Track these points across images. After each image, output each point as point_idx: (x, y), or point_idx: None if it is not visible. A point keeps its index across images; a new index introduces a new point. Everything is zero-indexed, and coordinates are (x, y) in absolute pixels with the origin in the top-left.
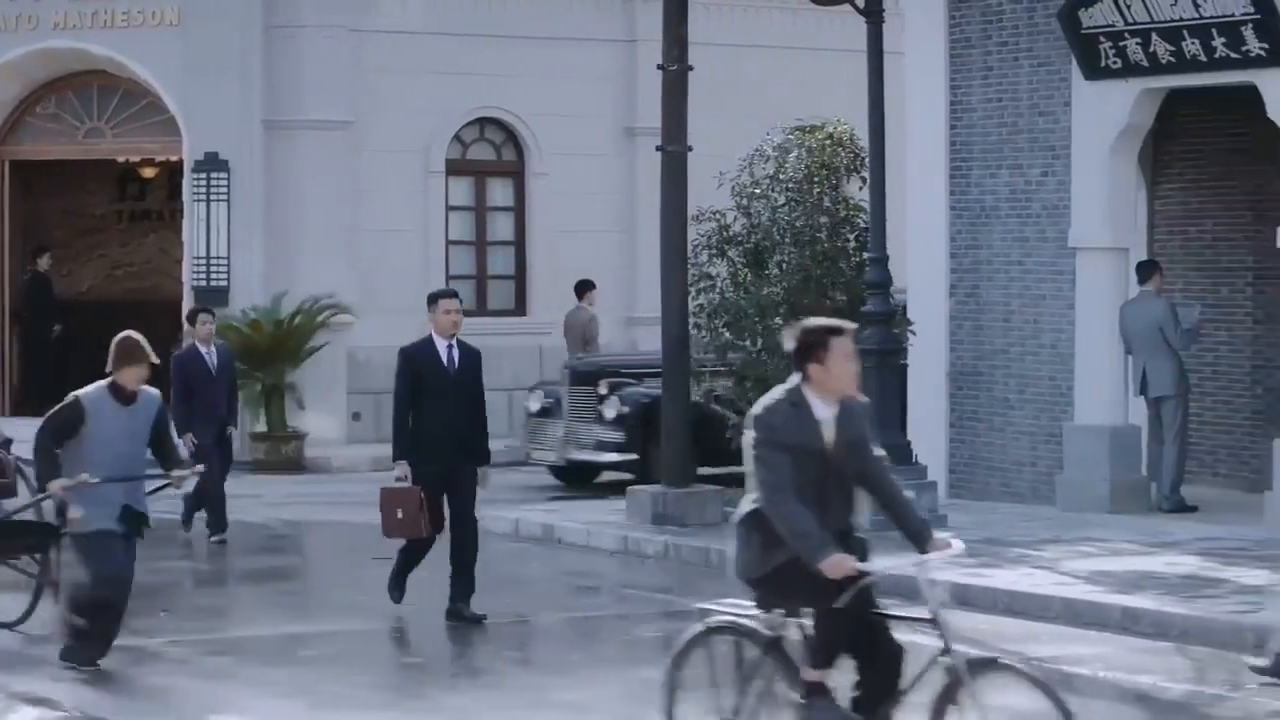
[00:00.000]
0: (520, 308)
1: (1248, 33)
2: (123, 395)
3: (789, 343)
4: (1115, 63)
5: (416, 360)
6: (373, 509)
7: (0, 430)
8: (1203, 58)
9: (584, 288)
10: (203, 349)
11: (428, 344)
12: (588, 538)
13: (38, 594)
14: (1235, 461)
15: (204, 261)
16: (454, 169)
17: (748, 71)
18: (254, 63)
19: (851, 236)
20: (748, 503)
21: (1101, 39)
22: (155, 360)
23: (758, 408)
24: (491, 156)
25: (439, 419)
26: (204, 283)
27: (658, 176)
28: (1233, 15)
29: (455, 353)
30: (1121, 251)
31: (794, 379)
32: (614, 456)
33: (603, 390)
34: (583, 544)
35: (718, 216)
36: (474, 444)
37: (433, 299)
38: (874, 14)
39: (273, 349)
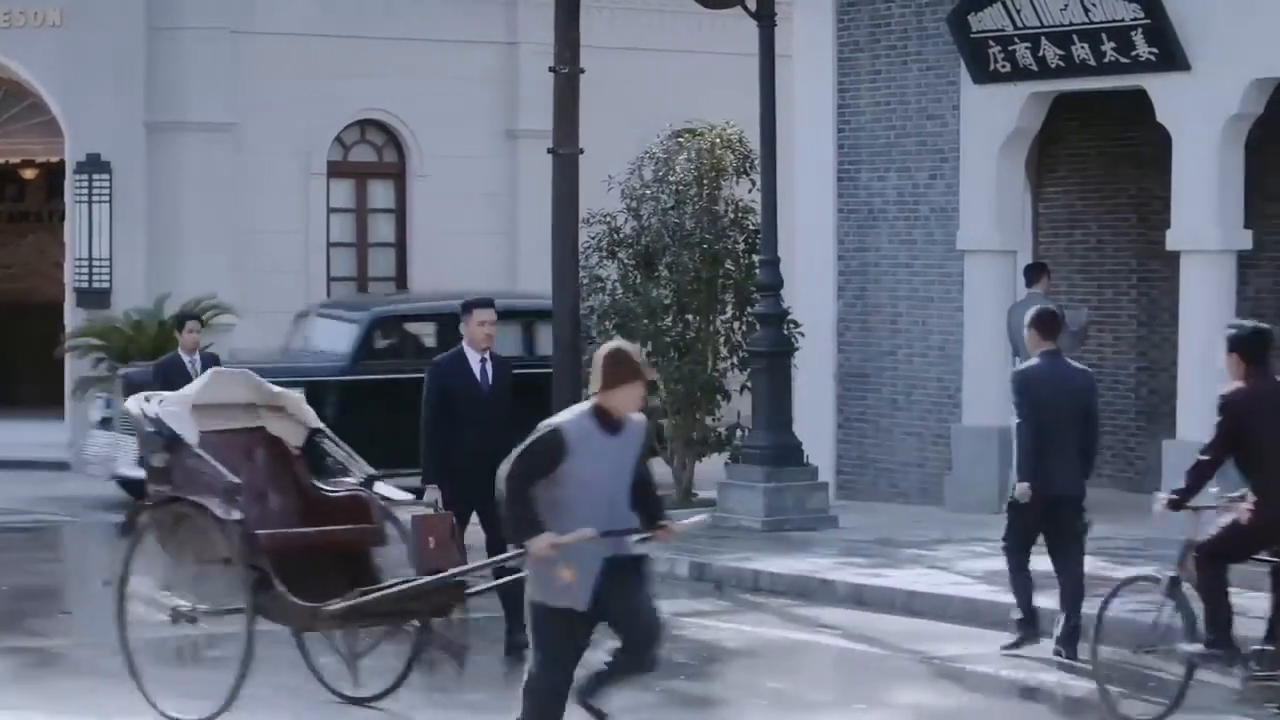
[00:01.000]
0: None
1: (1137, 37)
2: (610, 422)
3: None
4: (1004, 67)
5: (447, 375)
6: None
7: (363, 468)
8: (1092, 62)
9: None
10: (186, 357)
11: (459, 358)
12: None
13: (412, 662)
14: (1120, 462)
15: (86, 263)
16: (335, 171)
17: (636, 74)
18: (136, 64)
19: (740, 238)
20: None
21: (991, 43)
22: (653, 377)
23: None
24: (373, 158)
25: (472, 439)
26: (86, 284)
27: (539, 178)
28: (1123, 20)
29: (489, 367)
30: (1009, 254)
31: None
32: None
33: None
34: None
35: (608, 219)
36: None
37: (467, 307)
38: (765, 17)
39: (156, 351)
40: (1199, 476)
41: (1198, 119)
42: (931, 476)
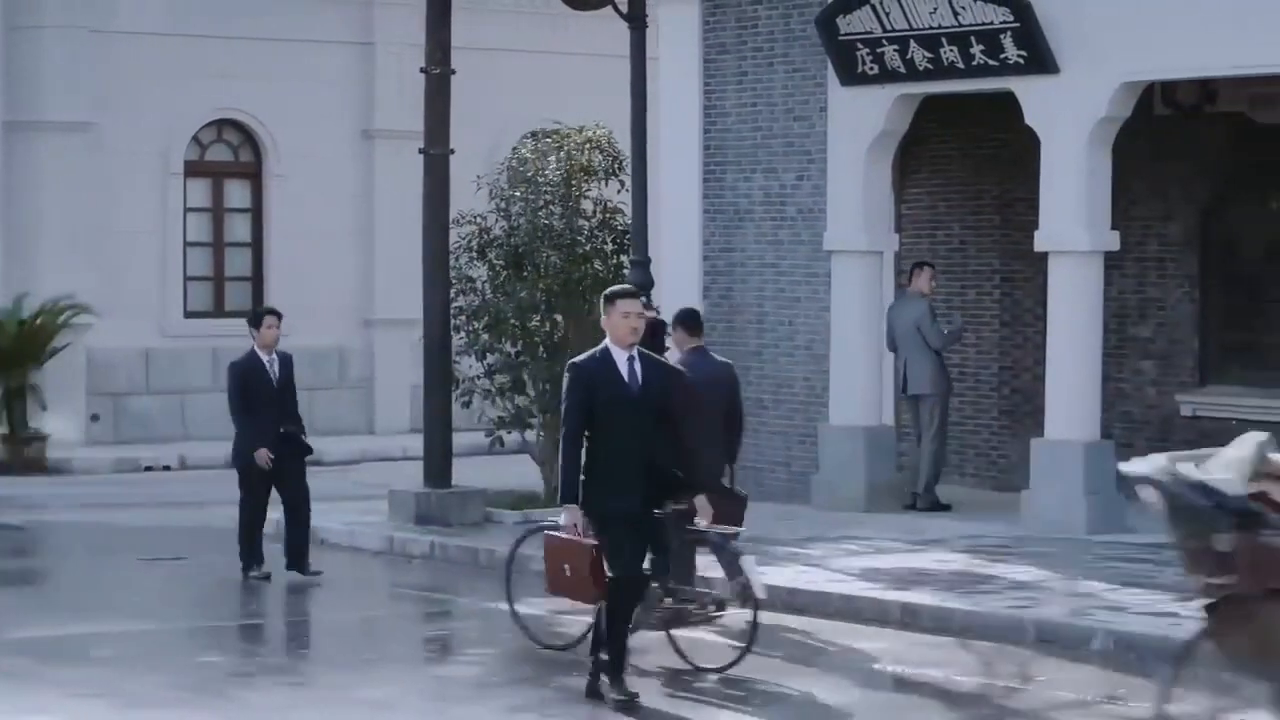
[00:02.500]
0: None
1: (1006, 41)
2: None
3: None
4: (872, 69)
5: (590, 377)
6: (128, 509)
7: None
8: (960, 65)
9: None
10: (264, 356)
11: (603, 357)
12: (351, 538)
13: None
14: (983, 461)
15: None
16: (192, 170)
17: (504, 76)
18: None
19: (609, 239)
20: None
21: (859, 45)
22: None
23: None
24: (229, 158)
25: (622, 449)
26: None
27: (396, 178)
28: (992, 23)
29: (638, 365)
30: (876, 255)
31: None
32: None
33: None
34: (347, 545)
35: (478, 220)
36: (669, 475)
37: (609, 298)
38: (637, 19)
39: (15, 350)
40: None
41: (1066, 122)
42: (798, 476)
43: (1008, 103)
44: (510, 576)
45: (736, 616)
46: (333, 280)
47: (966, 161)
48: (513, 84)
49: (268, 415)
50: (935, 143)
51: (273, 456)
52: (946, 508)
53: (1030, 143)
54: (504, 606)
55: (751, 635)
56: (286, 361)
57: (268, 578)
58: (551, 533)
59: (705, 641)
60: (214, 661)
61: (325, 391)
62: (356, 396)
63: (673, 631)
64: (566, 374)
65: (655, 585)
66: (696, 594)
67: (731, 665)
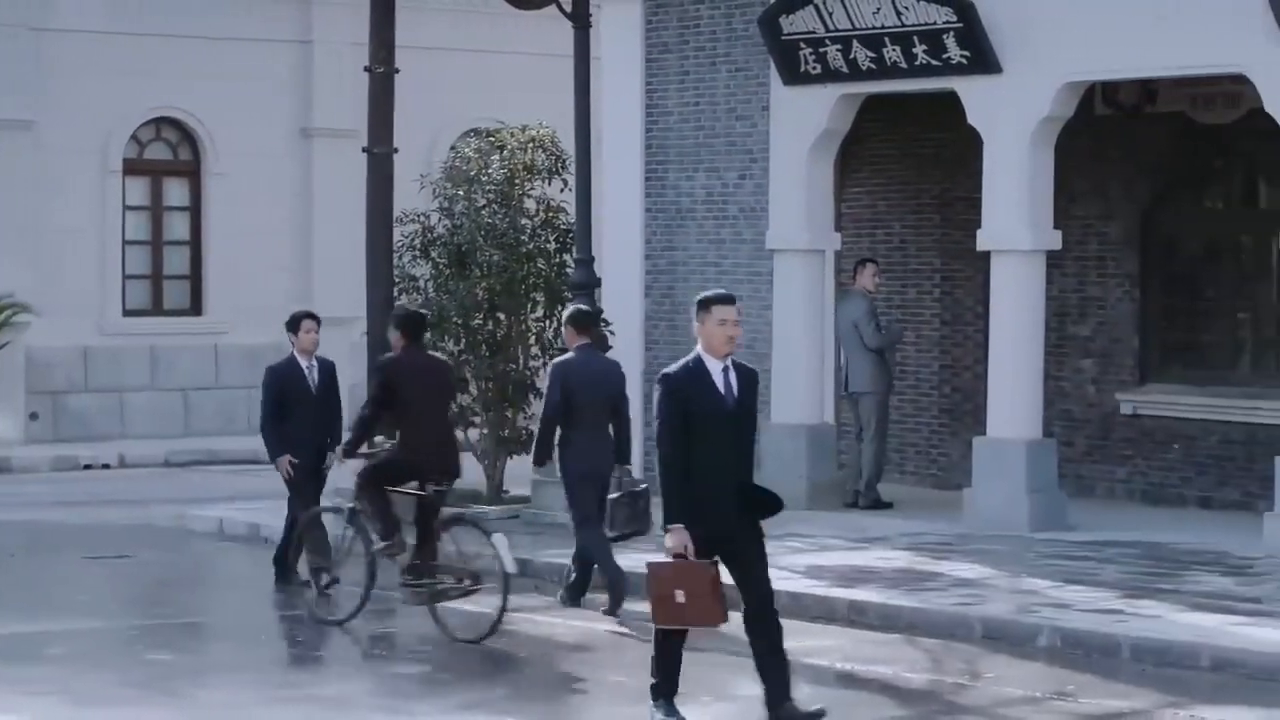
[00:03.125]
0: (196, 307)
1: (949, 41)
2: None
3: None
4: (815, 68)
5: (684, 389)
6: (68, 507)
7: None
8: (904, 65)
9: None
10: (303, 362)
11: (695, 368)
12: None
13: None
14: (924, 460)
15: None
16: (131, 169)
17: (444, 74)
18: None
19: (552, 238)
20: None
21: (802, 45)
22: None
23: None
24: (168, 156)
25: (715, 465)
26: None
27: (334, 177)
28: (935, 23)
29: (732, 376)
30: (818, 253)
31: None
32: None
33: None
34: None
35: (421, 218)
36: (753, 492)
37: (704, 304)
38: (581, 18)
39: None
40: (362, 428)
41: (1009, 121)
42: None
43: (948, 102)
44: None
45: (490, 590)
46: (271, 278)
47: (907, 160)
48: (452, 83)
49: (304, 425)
50: (875, 142)
51: (295, 462)
52: (888, 506)
53: (970, 142)
54: (449, 604)
55: (503, 607)
56: (327, 369)
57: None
58: (655, 561)
59: (465, 612)
60: (164, 659)
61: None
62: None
63: (435, 605)
64: (658, 387)
65: (418, 562)
66: (455, 570)
67: (487, 636)
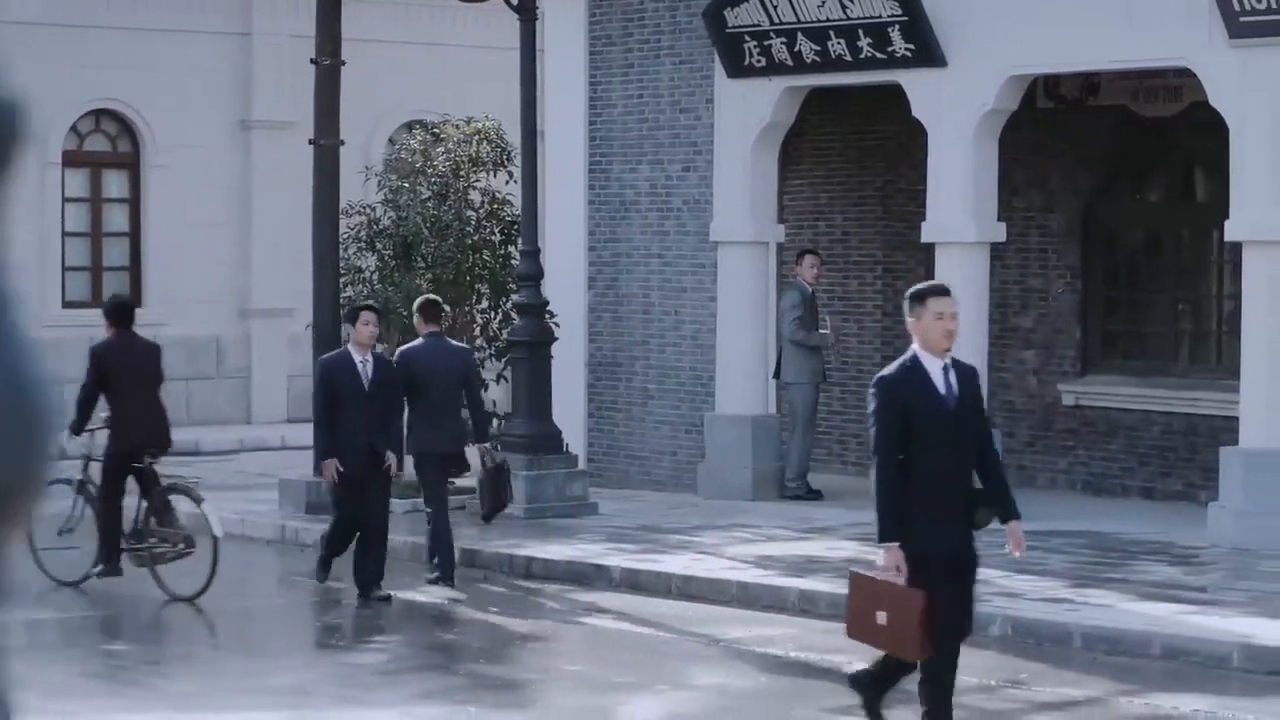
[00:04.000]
0: (135, 299)
1: (894, 34)
2: None
3: None
4: (759, 61)
5: (902, 392)
6: None
7: None
8: (848, 58)
9: None
10: (357, 357)
11: (913, 366)
12: (243, 528)
13: None
14: (865, 451)
15: None
16: (70, 160)
17: (385, 67)
18: None
19: (497, 229)
20: None
21: (746, 38)
22: None
23: None
24: (107, 148)
25: (939, 474)
26: None
27: (273, 168)
28: (880, 17)
29: (953, 376)
30: (762, 245)
31: None
32: None
33: None
34: (239, 533)
35: (367, 210)
36: (996, 498)
37: (918, 297)
38: (527, 11)
39: None
40: (80, 410)
41: (953, 114)
42: (684, 464)
43: (890, 95)
44: None
45: (203, 552)
46: (210, 270)
47: (848, 153)
48: (391, 75)
49: (354, 424)
50: (817, 134)
51: (341, 469)
52: (817, 495)
53: (912, 134)
54: (399, 595)
55: (213, 567)
56: (384, 365)
57: (388, 599)
58: (862, 574)
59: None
60: (121, 650)
61: (202, 381)
62: (233, 386)
63: (156, 567)
64: (874, 391)
65: (139, 528)
66: (171, 534)
67: (201, 593)
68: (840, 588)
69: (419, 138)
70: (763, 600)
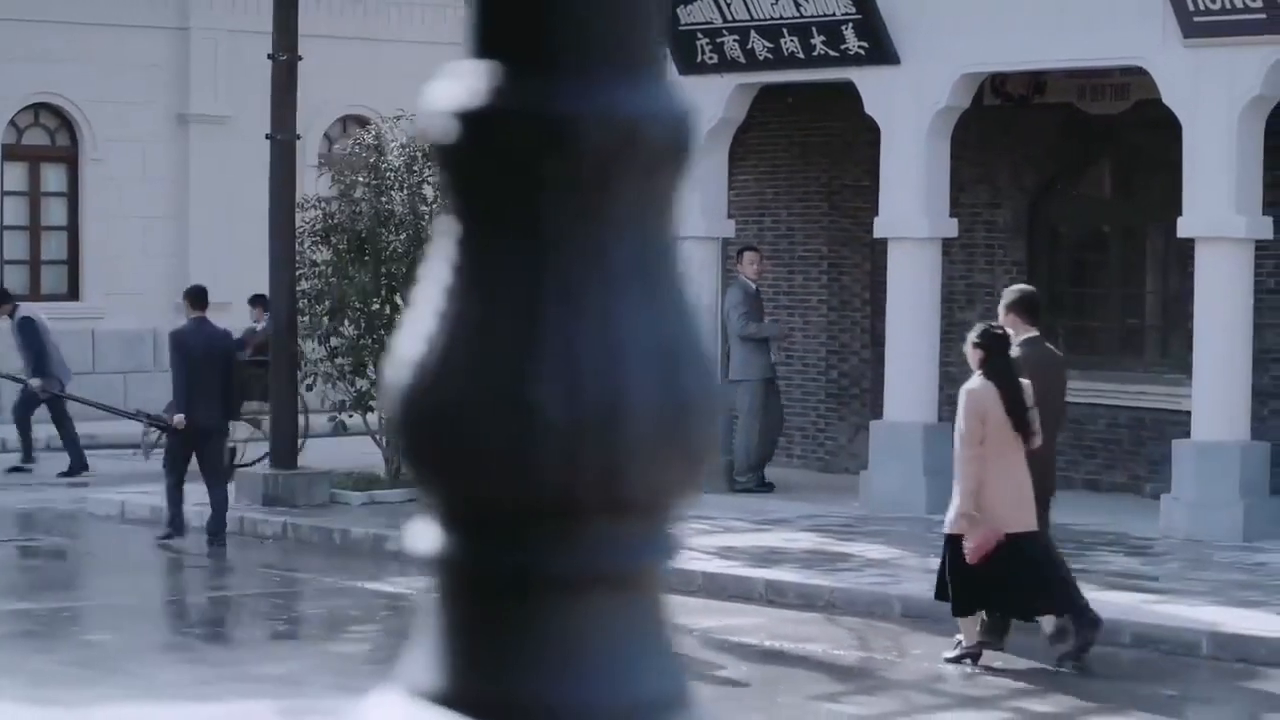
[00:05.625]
0: (73, 293)
1: (848, 32)
2: None
3: None
4: (711, 59)
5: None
6: None
7: None
8: (801, 55)
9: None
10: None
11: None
12: (201, 519)
13: None
14: (811, 444)
15: None
16: (9, 154)
17: (327, 63)
18: None
19: None
20: None
21: (699, 35)
22: None
23: None
24: (46, 142)
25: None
26: None
27: (211, 163)
28: (833, 15)
29: None
30: (713, 241)
31: None
32: None
33: None
34: (197, 525)
35: (322, 204)
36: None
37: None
38: None
39: None
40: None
41: (906, 111)
42: None
43: (836, 92)
44: None
45: None
46: (147, 264)
47: (794, 149)
48: (328, 70)
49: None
50: (763, 131)
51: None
52: (770, 488)
53: (859, 131)
54: (367, 585)
55: None
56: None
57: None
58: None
59: None
60: (103, 640)
61: (139, 375)
62: (170, 379)
63: None
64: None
65: None
66: None
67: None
68: (808, 578)
69: (373, 132)
70: (729, 590)
